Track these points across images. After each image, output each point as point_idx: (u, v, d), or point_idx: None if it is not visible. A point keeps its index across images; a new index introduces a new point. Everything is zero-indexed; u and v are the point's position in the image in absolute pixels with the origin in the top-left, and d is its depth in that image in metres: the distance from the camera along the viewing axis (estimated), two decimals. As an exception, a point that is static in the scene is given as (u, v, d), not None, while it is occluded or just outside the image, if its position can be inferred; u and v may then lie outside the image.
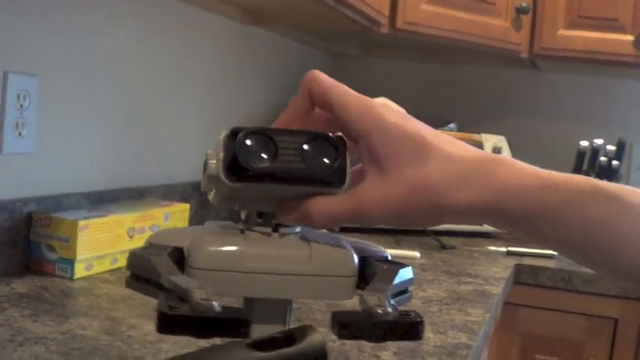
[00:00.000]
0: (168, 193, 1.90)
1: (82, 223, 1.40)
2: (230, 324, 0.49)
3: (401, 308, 0.58)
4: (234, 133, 0.62)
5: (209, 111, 2.15)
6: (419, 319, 0.57)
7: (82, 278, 1.41)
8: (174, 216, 1.68)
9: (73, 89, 1.56)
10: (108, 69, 1.67)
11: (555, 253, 0.68)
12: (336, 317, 0.56)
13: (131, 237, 1.51)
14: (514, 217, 0.61)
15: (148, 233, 1.55)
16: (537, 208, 0.60)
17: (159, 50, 1.86)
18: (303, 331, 0.45)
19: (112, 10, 1.66)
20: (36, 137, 1.46)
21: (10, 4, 1.37)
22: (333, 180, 0.62)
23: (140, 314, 1.22)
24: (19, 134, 1.42)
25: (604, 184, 0.61)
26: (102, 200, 1.63)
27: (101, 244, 1.45)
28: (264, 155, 0.61)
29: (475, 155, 0.62)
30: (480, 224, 0.64)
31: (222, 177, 0.61)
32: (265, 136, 0.62)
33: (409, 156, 0.61)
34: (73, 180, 1.59)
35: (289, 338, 0.45)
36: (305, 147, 0.62)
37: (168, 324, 0.52)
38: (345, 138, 0.63)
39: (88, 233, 1.41)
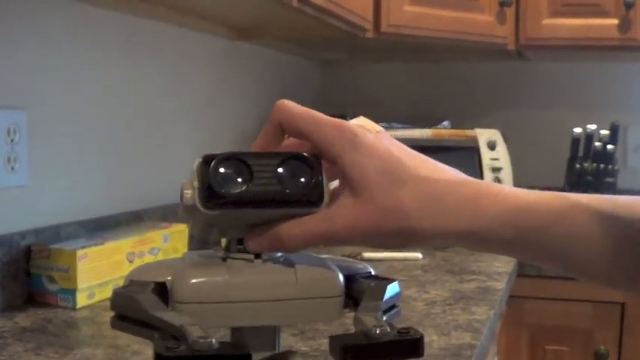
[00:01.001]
0: (167, 214, 1.90)
1: (80, 252, 1.41)
2: (231, 359, 0.49)
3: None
4: (206, 161, 0.62)
5: (203, 128, 2.15)
6: (418, 336, 0.56)
7: (85, 307, 1.42)
8: (174, 237, 1.68)
9: (63, 119, 1.57)
10: (97, 96, 1.67)
11: None
12: (336, 342, 0.55)
13: (131, 262, 1.52)
14: (493, 243, 0.61)
15: (147, 257, 1.56)
16: (516, 232, 0.60)
17: (147, 73, 1.87)
18: (285, 358, 0.45)
19: (97, 38, 1.66)
20: (29, 170, 1.47)
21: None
22: (310, 199, 0.62)
23: (143, 341, 1.22)
24: (12, 168, 1.43)
25: (579, 198, 0.62)
26: (100, 227, 1.64)
27: (101, 272, 1.45)
28: (239, 180, 0.61)
29: (450, 180, 0.62)
30: (452, 247, 0.65)
31: (199, 205, 0.61)
32: (239, 160, 0.62)
33: (382, 179, 0.60)
34: (70, 209, 1.59)
35: (271, 366, 0.45)
36: (280, 169, 0.62)
37: None
38: (318, 157, 0.63)
39: (88, 262, 1.42)
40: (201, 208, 0.61)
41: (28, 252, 1.43)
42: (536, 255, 0.63)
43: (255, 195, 0.61)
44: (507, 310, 2.03)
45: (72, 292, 1.40)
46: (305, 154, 0.63)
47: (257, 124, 2.49)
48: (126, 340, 1.23)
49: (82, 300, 1.41)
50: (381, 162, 0.61)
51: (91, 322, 1.34)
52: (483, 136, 2.45)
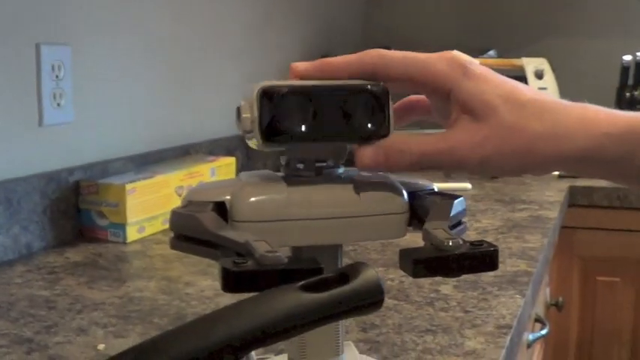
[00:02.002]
0: (213, 148, 1.90)
1: (129, 186, 1.40)
2: (301, 274, 0.47)
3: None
4: (267, 94, 0.59)
5: (246, 62, 2.13)
6: (493, 249, 0.54)
7: (136, 241, 1.41)
8: (221, 170, 1.67)
9: (107, 55, 1.55)
10: (140, 31, 1.66)
11: None
12: (408, 255, 0.53)
13: (180, 195, 1.51)
14: (607, 161, 0.61)
15: (195, 191, 1.55)
16: (630, 149, 0.60)
17: (190, 9, 1.84)
18: (356, 269, 0.44)
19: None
20: (74, 106, 1.46)
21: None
22: (377, 133, 0.60)
23: (196, 271, 1.22)
24: (58, 105, 1.42)
25: None
26: (147, 162, 1.63)
27: (151, 206, 1.45)
28: (302, 116, 0.59)
29: (567, 104, 0.62)
30: (569, 173, 0.64)
31: (258, 141, 0.59)
32: (303, 95, 0.59)
33: (503, 102, 0.60)
34: (117, 144, 1.58)
35: (342, 277, 0.43)
36: (345, 103, 0.60)
37: (235, 281, 0.48)
38: (386, 88, 0.61)
39: (137, 196, 1.41)
40: (261, 143, 0.59)
41: (77, 188, 1.43)
42: None
43: (319, 132, 0.59)
44: (559, 240, 2.01)
45: (122, 226, 1.40)
46: (371, 86, 0.60)
47: (299, 57, 2.46)
48: (178, 271, 1.23)
49: (132, 234, 1.41)
50: (499, 87, 0.61)
51: (142, 255, 1.34)
52: (531, 64, 2.41)
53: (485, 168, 0.62)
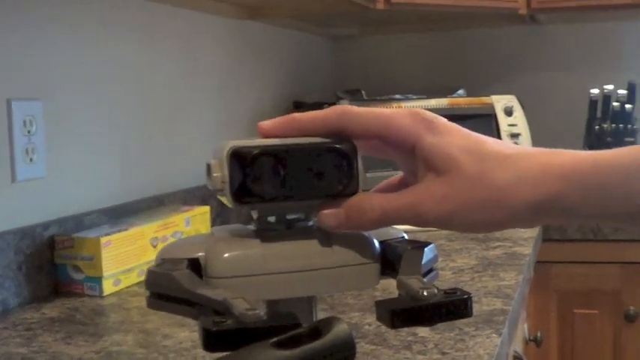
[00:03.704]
0: (188, 197, 1.90)
1: (104, 239, 1.40)
2: (281, 330, 0.47)
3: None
4: (237, 155, 0.59)
5: (219, 110, 2.14)
6: (466, 296, 0.55)
7: (112, 294, 1.41)
8: (196, 220, 1.68)
9: (79, 108, 1.56)
10: (111, 83, 1.66)
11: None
12: (385, 306, 0.54)
13: (155, 246, 1.51)
14: (577, 203, 0.60)
15: (171, 240, 1.55)
16: (596, 188, 0.60)
17: (161, 58, 1.86)
18: (329, 323, 0.44)
19: (108, 23, 1.65)
20: (47, 160, 1.46)
21: (3, 32, 1.37)
22: (346, 192, 0.61)
23: (172, 323, 1.22)
24: (30, 160, 1.42)
25: None
26: (122, 214, 1.63)
27: (126, 258, 1.45)
28: (272, 176, 0.59)
29: (531, 151, 0.62)
30: (536, 225, 0.64)
31: (229, 201, 0.59)
32: (272, 156, 0.60)
33: (467, 156, 0.60)
34: (90, 198, 1.59)
35: (314, 332, 0.44)
36: (315, 162, 0.60)
37: (216, 341, 0.49)
38: (354, 146, 0.62)
39: (112, 249, 1.41)
40: (232, 205, 0.59)
41: (51, 243, 1.43)
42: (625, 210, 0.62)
43: (289, 192, 0.60)
44: (534, 275, 2.02)
45: (98, 280, 1.40)
46: (340, 146, 0.61)
47: (272, 102, 2.48)
48: (155, 324, 1.23)
49: (108, 287, 1.41)
50: (462, 140, 0.61)
51: (119, 308, 1.34)
52: (500, 102, 2.43)
53: (451, 223, 0.61)
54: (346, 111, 0.63)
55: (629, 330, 2.21)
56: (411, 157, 0.63)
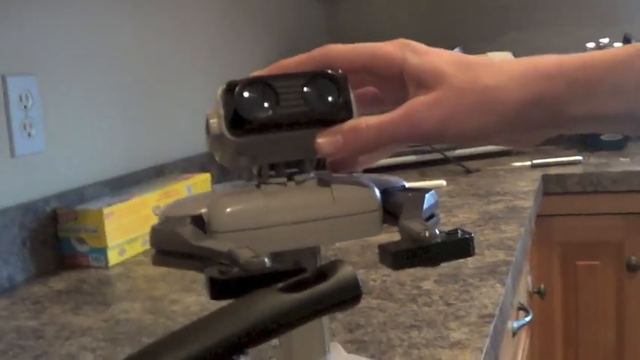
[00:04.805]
0: (188, 166, 1.91)
1: (106, 210, 1.41)
2: (286, 275, 0.48)
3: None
4: (230, 88, 0.61)
5: (213, 76, 2.14)
6: (468, 235, 0.56)
7: (117, 264, 1.42)
8: (197, 187, 1.68)
9: (74, 81, 1.56)
10: (105, 54, 1.66)
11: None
12: (387, 248, 0.54)
13: (157, 215, 1.51)
14: (564, 99, 0.62)
15: (173, 209, 1.56)
16: (583, 82, 0.62)
17: (154, 28, 1.85)
18: (333, 267, 0.45)
19: (96, -4, 1.65)
20: (45, 135, 1.47)
21: (-6, 8, 1.37)
22: (339, 117, 0.61)
23: (180, 288, 1.23)
24: (29, 135, 1.42)
25: None
26: (123, 185, 1.64)
27: (130, 228, 1.45)
28: (265, 104, 0.60)
29: (516, 59, 0.64)
30: (528, 134, 0.65)
31: (226, 134, 0.60)
32: (264, 84, 0.61)
33: (454, 67, 0.62)
34: (91, 170, 1.59)
35: (320, 276, 0.45)
36: (305, 89, 0.61)
37: (222, 289, 0.49)
38: (345, 73, 0.62)
39: (115, 219, 1.42)
40: (229, 136, 0.60)
41: (54, 216, 1.44)
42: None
43: (282, 117, 0.60)
44: (536, 228, 2.03)
45: (103, 250, 1.41)
46: (330, 71, 0.62)
47: (265, 65, 2.47)
48: (163, 290, 1.23)
49: (113, 258, 1.42)
50: (449, 56, 0.63)
51: (125, 277, 1.35)
52: (496, 59, 2.43)
53: (445, 132, 0.62)
54: (331, 48, 0.66)
55: (631, 280, 2.22)
56: (400, 86, 0.64)
